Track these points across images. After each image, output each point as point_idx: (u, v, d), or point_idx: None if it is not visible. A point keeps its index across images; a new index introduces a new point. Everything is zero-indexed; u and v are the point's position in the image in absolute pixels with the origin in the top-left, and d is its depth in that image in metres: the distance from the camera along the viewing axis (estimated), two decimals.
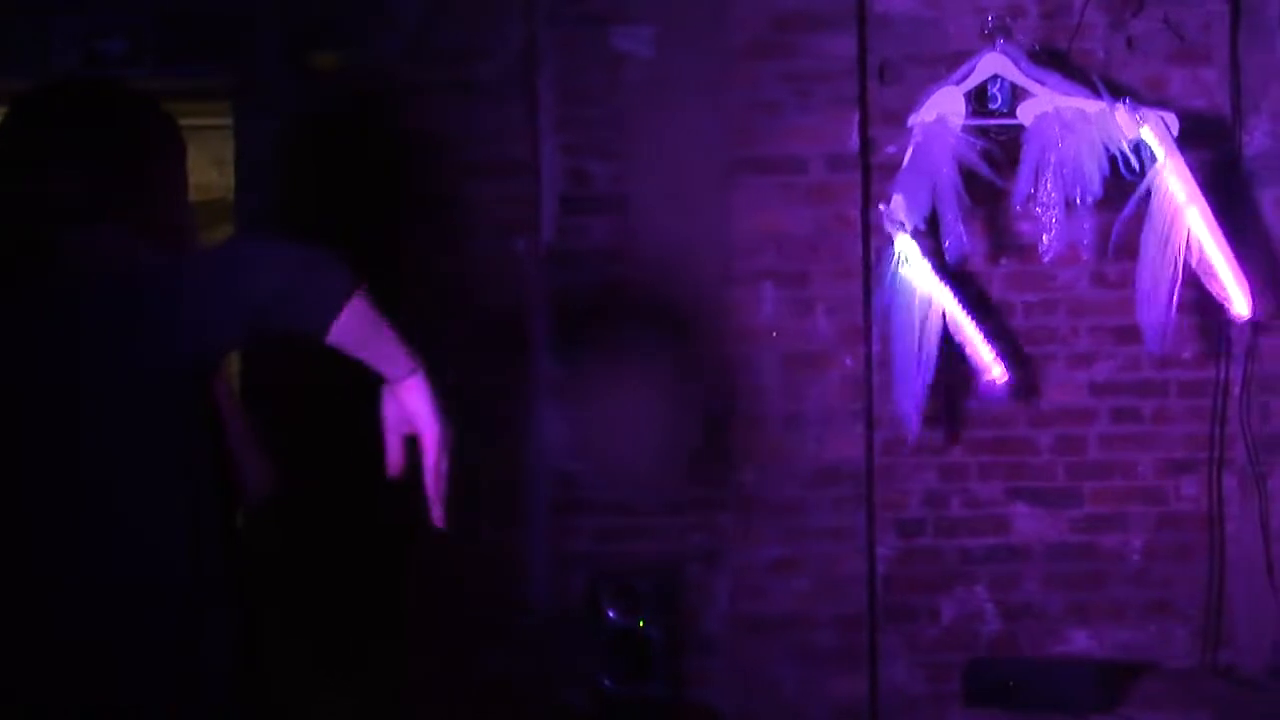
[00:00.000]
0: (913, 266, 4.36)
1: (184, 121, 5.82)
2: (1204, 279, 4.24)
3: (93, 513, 2.26)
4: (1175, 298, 4.23)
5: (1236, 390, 4.60)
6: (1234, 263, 4.22)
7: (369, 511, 4.59)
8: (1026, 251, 4.60)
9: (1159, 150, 4.17)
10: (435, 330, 4.64)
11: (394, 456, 2.49)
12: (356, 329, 2.35)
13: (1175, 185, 4.17)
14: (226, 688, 2.35)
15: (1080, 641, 4.69)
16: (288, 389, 4.57)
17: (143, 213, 2.41)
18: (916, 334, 4.38)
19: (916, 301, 4.38)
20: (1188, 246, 4.20)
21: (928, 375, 4.39)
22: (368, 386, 4.57)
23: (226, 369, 2.80)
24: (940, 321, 4.38)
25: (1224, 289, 4.24)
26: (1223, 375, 4.63)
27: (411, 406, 2.47)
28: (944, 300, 4.38)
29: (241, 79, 4.77)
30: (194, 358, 2.30)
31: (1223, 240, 4.22)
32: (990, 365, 4.40)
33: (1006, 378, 4.41)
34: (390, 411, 2.48)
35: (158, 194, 2.46)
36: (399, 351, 2.44)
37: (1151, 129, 4.16)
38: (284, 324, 2.30)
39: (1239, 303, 4.24)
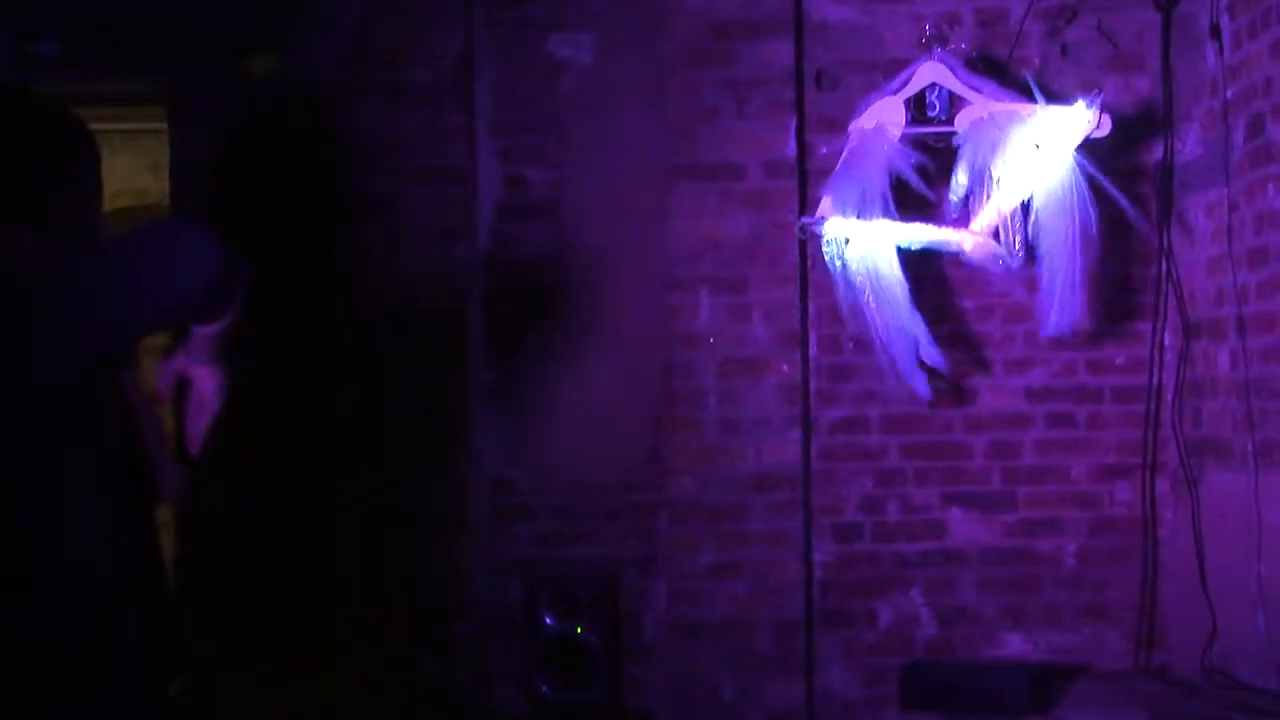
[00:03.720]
0: (855, 242, 4.35)
1: (119, 126, 5.82)
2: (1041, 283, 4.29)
3: (5, 507, 2.26)
4: (1079, 293, 4.26)
5: (1169, 395, 4.64)
6: (1067, 281, 4.24)
7: (308, 516, 4.57)
8: (960, 257, 4.62)
9: (1067, 144, 4.20)
10: (371, 336, 4.67)
11: (162, 387, 2.54)
12: (214, 335, 2.44)
13: (1072, 180, 4.21)
14: (143, 684, 2.35)
15: (1015, 645, 4.72)
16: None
17: (53, 216, 2.42)
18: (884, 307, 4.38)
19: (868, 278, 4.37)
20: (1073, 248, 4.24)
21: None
22: (302, 383, 4.58)
23: (140, 369, 2.80)
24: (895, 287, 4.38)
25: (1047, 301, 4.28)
26: (1155, 381, 4.67)
27: (202, 386, 2.53)
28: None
29: (176, 83, 4.74)
30: (107, 352, 2.31)
31: (1075, 254, 4.24)
32: None
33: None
34: (182, 370, 2.52)
35: (69, 198, 2.46)
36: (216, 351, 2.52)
37: (1066, 121, 4.19)
38: (199, 318, 2.38)
39: (1047, 319, 4.29)
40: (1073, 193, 4.21)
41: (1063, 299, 4.25)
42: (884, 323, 4.38)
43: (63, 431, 2.28)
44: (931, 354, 4.44)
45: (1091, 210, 4.22)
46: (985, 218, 4.22)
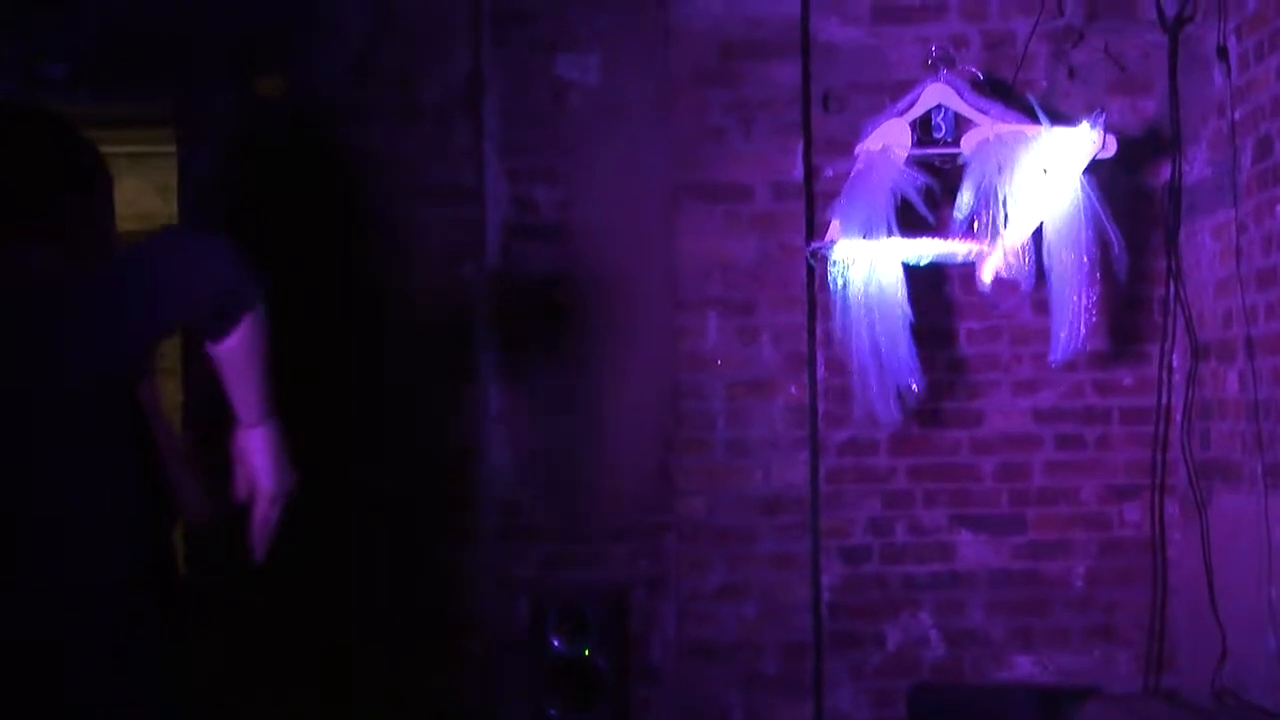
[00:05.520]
0: (857, 265, 4.35)
1: (127, 148, 5.82)
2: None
3: (17, 517, 2.26)
4: (1084, 310, 4.25)
5: (1178, 417, 4.64)
6: (1074, 305, 4.24)
7: (316, 534, 4.57)
8: (968, 279, 4.63)
9: (1075, 166, 4.21)
10: (380, 356, 4.67)
11: (238, 489, 2.56)
12: (241, 348, 2.43)
13: (1081, 203, 4.21)
14: (154, 699, 2.35)
15: (1024, 667, 4.71)
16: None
17: (66, 235, 2.42)
18: (872, 330, 4.36)
19: (865, 300, 4.36)
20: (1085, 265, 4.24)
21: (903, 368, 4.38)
22: (311, 402, 4.57)
23: (160, 392, 2.80)
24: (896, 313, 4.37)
25: (1057, 326, 4.28)
26: (1164, 402, 4.66)
27: (252, 459, 2.54)
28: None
29: (184, 104, 4.74)
30: (116, 364, 2.32)
31: (1084, 278, 4.24)
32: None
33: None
34: (236, 451, 2.55)
35: (81, 218, 2.47)
36: (258, 393, 2.52)
37: (1071, 143, 4.19)
38: (200, 325, 2.39)
39: (1055, 346, 4.30)
40: (1082, 216, 4.21)
41: (1072, 324, 4.24)
42: (869, 346, 4.37)
43: (75, 445, 2.28)
44: (915, 377, 4.41)
45: (1103, 232, 4.22)
46: (993, 236, 4.21)
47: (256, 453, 2.54)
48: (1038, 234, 4.28)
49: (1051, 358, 4.34)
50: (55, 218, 2.43)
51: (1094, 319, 4.30)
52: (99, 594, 2.29)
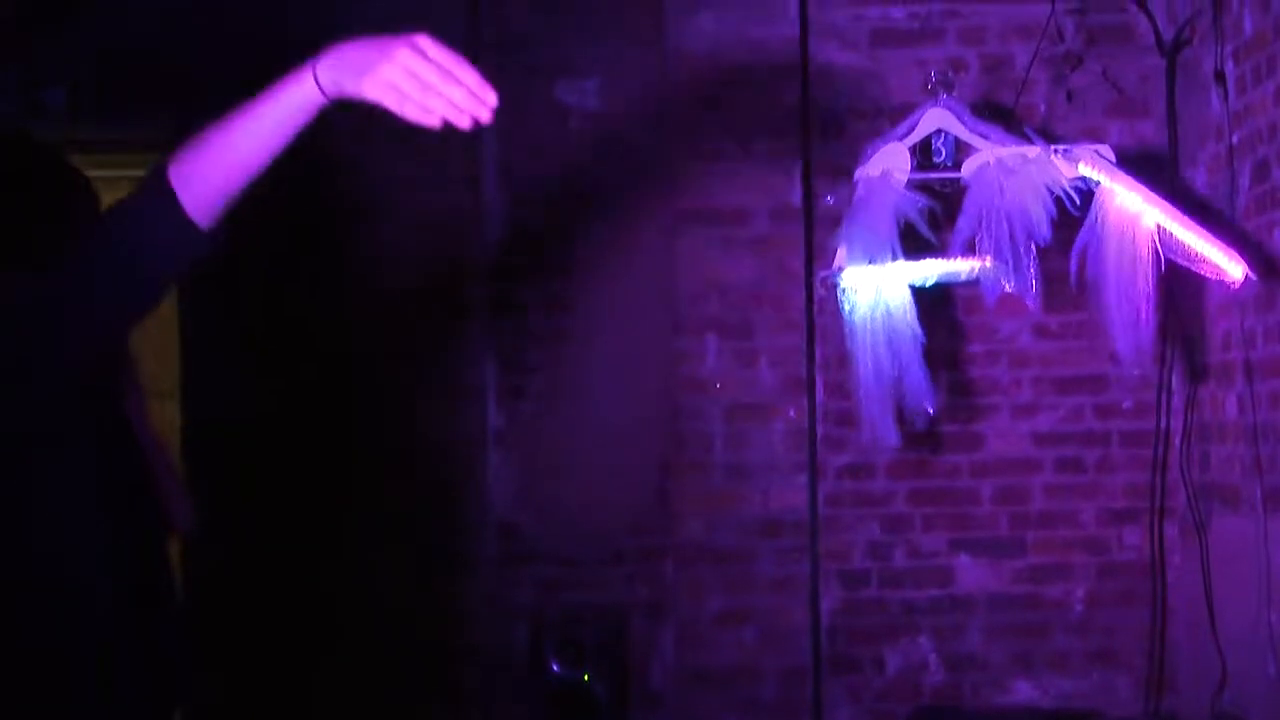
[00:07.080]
0: (865, 290, 4.32)
1: (127, 172, 5.80)
2: (1193, 266, 4.08)
3: (7, 531, 2.26)
4: (1149, 312, 4.19)
5: (1177, 440, 4.63)
6: (1212, 238, 4.07)
7: (311, 555, 4.56)
8: (969, 303, 4.63)
9: (1101, 177, 4.17)
10: (380, 378, 4.67)
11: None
12: (209, 176, 2.17)
13: (1127, 200, 4.15)
14: (145, 716, 2.35)
15: (1024, 691, 4.70)
16: (231, 426, 4.56)
17: (50, 259, 2.42)
18: (877, 355, 4.34)
19: (872, 324, 4.34)
20: (1157, 252, 4.16)
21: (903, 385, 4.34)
22: (310, 423, 4.57)
23: (147, 403, 2.80)
24: (904, 332, 4.34)
25: (1214, 266, 4.15)
26: (1163, 425, 4.66)
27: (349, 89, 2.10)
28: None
29: (184, 128, 4.73)
30: (76, 365, 2.29)
31: (1192, 224, 4.13)
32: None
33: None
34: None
35: (66, 243, 2.47)
36: (268, 103, 2.16)
37: (1088, 162, 4.17)
38: (166, 268, 2.23)
39: (1233, 270, 4.06)
40: (1112, 214, 4.16)
41: (1137, 316, 4.15)
42: (877, 370, 4.34)
43: (63, 459, 2.28)
44: (927, 399, 4.39)
45: (1131, 221, 4.17)
46: (997, 255, 4.18)
47: (344, 85, 2.09)
48: (1039, 252, 4.24)
49: (1127, 369, 4.23)
50: (39, 244, 2.43)
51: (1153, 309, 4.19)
52: (89, 601, 2.29)
